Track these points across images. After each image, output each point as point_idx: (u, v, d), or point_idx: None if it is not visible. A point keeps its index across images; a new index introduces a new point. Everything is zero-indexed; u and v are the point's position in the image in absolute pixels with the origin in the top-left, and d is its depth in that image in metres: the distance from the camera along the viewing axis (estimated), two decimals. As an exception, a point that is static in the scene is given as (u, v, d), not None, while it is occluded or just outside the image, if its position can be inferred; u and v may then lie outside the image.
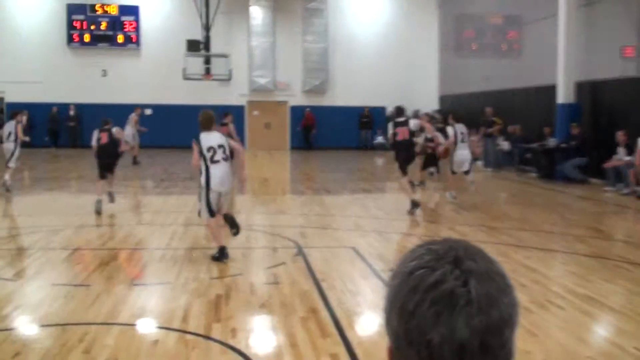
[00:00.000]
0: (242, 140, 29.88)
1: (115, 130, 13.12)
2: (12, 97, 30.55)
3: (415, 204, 12.27)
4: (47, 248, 8.95)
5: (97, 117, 30.54)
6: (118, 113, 29.79)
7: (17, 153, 14.98)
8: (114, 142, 12.90)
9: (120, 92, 31.02)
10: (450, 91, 29.59)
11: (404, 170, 12.51)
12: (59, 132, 29.99)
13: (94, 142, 12.93)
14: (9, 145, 14.95)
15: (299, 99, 32.40)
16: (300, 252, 8.81)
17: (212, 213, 8.50)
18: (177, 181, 18.04)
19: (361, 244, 9.39)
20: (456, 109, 24.06)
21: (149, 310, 6.29)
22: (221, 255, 8.30)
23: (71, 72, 30.98)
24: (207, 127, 8.57)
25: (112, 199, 12.65)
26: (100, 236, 9.91)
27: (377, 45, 32.58)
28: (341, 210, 13.00)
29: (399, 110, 13.18)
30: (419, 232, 10.69)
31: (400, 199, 13.53)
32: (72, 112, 30.47)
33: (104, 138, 12.96)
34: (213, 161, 8.39)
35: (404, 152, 12.55)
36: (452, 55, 29.97)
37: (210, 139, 8.47)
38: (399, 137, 12.56)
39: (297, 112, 32.09)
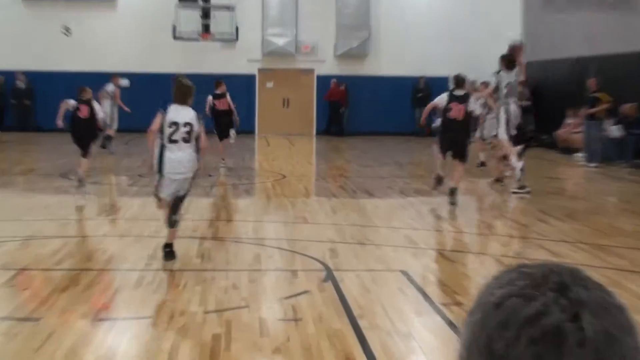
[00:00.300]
0: (250, 122, 30.00)
1: (96, 104, 14.35)
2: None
3: (439, 180, 13.87)
4: (-18, 267, 8.93)
5: (56, 90, 31.03)
6: (85, 84, 30.16)
7: None
8: (93, 118, 14.04)
9: (88, 57, 31.26)
10: (537, 57, 29.26)
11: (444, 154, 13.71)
12: (4, 109, 30.21)
13: (59, 118, 14.84)
14: None
15: (329, 67, 32.40)
16: (329, 277, 8.70)
17: (159, 198, 9.61)
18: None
19: (414, 267, 9.25)
20: (544, 80, 23.77)
21: (120, 355, 6.22)
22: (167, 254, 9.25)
23: (23, 30, 31.21)
24: (182, 100, 9.30)
25: (82, 183, 13.65)
26: (56, 252, 9.86)
27: (437, -5, 32.47)
28: (386, 220, 12.89)
29: (459, 81, 13.78)
30: (495, 250, 10.52)
31: (469, 204, 13.40)
32: (21, 83, 30.72)
33: (84, 111, 14.07)
34: (171, 140, 9.15)
35: (452, 134, 13.30)
36: (539, 10, 29.68)
37: (180, 114, 9.18)
38: (451, 115, 13.10)
39: (327, 85, 32.04)
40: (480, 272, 8.98)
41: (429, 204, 14.81)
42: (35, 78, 30.88)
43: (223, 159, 19.50)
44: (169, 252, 9.26)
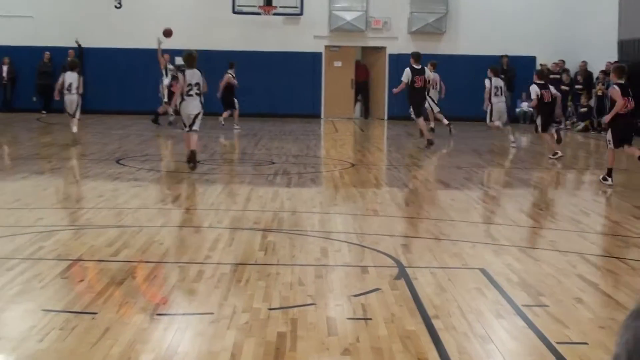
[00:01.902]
0: (316, 105, 30.08)
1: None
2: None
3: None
4: (35, 257, 9.22)
5: (108, 68, 31.45)
6: (137, 61, 30.65)
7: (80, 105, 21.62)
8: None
9: (141, 32, 31.56)
10: (632, 35, 28.90)
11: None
12: (53, 89, 30.72)
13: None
14: (72, 97, 21.46)
15: (403, 44, 32.35)
16: (402, 274, 8.81)
17: (185, 126, 16.68)
18: (222, 164, 18.29)
19: (494, 265, 9.31)
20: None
21: (179, 352, 6.39)
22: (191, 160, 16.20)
23: (75, 5, 31.64)
24: (191, 65, 16.81)
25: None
26: (112, 242, 10.14)
27: (523, -35, 32.16)
28: (464, 213, 12.92)
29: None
30: (583, 247, 10.52)
31: (556, 199, 13.36)
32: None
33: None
34: (188, 94, 16.46)
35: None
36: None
37: (191, 76, 16.57)
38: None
39: (401, 64, 31.96)
40: (567, 271, 9.01)
41: (510, 196, 14.82)
42: (85, 54, 31.34)
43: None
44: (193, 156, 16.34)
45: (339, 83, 31.99)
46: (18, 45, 31.28)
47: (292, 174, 16.98)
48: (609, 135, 15.48)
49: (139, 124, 27.19)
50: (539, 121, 19.20)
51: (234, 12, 29.04)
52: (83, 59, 30.51)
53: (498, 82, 23.35)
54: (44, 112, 30.41)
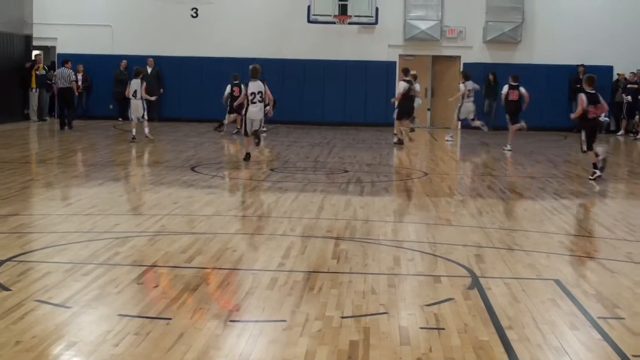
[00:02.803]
0: (390, 113, 30.05)
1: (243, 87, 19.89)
2: (67, 46, 32.06)
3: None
4: (110, 263, 9.37)
5: (184, 77, 31.87)
6: (212, 69, 30.95)
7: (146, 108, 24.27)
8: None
9: (216, 41, 31.90)
10: None
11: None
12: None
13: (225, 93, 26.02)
14: (136, 102, 23.94)
15: (477, 54, 32.22)
16: (475, 284, 8.77)
17: (247, 134, 19.45)
18: (295, 172, 18.36)
19: (569, 275, 9.23)
20: None
21: (252, 359, 6.44)
22: (246, 158, 19.36)
23: (147, 10, 32.10)
24: (254, 76, 19.33)
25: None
26: (186, 248, 10.25)
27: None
28: (538, 223, 12.83)
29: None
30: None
31: (632, 209, 13.16)
32: (149, 69, 31.62)
33: (237, 92, 23.02)
34: (252, 102, 19.20)
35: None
36: None
37: (254, 86, 19.21)
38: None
39: (476, 74, 31.82)
40: (643, 284, 8.90)
41: (585, 207, 14.65)
42: (161, 62, 31.77)
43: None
44: (248, 156, 19.54)
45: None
46: (96, 54, 31.81)
47: (365, 182, 16.99)
48: (582, 137, 17.95)
49: (214, 132, 27.43)
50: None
51: (309, 21, 29.13)
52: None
53: (472, 85, 26.78)
54: (120, 119, 30.84)
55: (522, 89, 24.28)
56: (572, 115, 19.09)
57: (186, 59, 31.85)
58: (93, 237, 10.73)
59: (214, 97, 29.66)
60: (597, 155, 17.85)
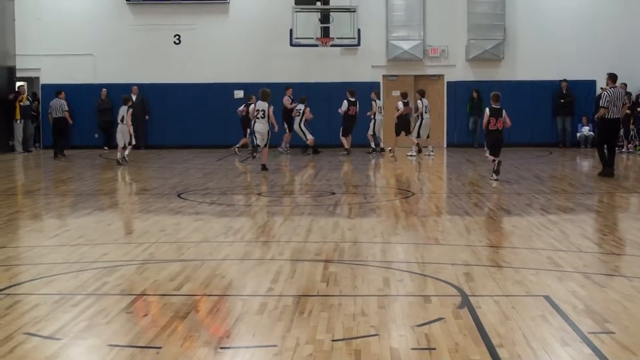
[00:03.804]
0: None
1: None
2: (50, 76, 32.06)
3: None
4: (99, 293, 9.33)
5: (169, 103, 31.93)
6: (196, 96, 31.02)
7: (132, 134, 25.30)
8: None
9: (200, 67, 31.96)
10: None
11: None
12: (113, 125, 31.02)
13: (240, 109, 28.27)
14: (122, 128, 25.12)
15: (460, 72, 32.39)
16: (465, 303, 8.76)
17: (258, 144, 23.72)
18: (283, 196, 18.36)
19: (559, 292, 9.21)
20: None
21: (243, 385, 6.42)
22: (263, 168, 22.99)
23: (133, 42, 32.15)
24: (264, 99, 23.37)
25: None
26: (174, 276, 10.22)
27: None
28: (526, 240, 12.84)
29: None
30: (648, 273, 10.38)
31: (620, 222, 13.16)
32: (134, 97, 31.60)
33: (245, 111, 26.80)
34: (257, 118, 23.31)
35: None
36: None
37: (260, 105, 23.32)
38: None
39: (459, 92, 32.00)
40: (633, 297, 8.90)
41: (572, 222, 14.68)
42: (145, 90, 31.81)
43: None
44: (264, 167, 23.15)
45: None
46: (80, 84, 31.82)
47: (352, 204, 17.00)
48: (486, 145, 21.42)
49: (199, 158, 27.43)
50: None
51: (292, 44, 29.24)
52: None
53: (426, 102, 28.63)
54: (105, 148, 30.83)
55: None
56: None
57: (171, 85, 31.90)
58: (81, 268, 10.69)
59: (199, 123, 29.75)
60: (493, 160, 21.01)
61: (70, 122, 29.44)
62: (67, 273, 10.43)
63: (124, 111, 25.29)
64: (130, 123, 25.30)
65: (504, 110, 20.68)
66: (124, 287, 9.73)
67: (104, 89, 31.52)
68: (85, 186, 20.83)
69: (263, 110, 23.20)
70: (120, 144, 25.48)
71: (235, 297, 9.26)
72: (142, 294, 9.35)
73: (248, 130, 27.32)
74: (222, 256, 11.71)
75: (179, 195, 18.05)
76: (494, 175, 20.80)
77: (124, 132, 25.33)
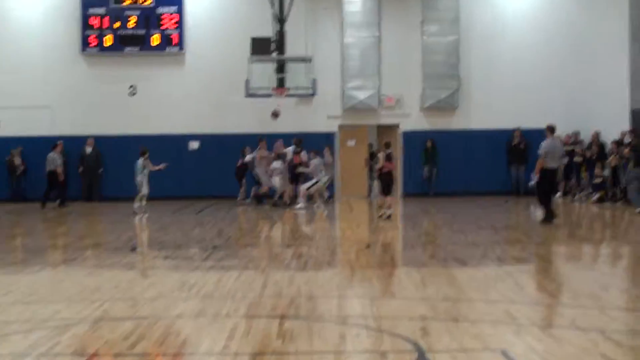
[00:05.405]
0: (331, 184, 30.06)
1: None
2: (8, 129, 31.76)
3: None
4: (52, 353, 9.16)
5: (124, 156, 31.77)
6: (152, 147, 30.90)
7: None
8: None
9: (156, 118, 31.90)
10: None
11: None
12: (66, 178, 30.72)
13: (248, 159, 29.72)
14: (143, 178, 25.99)
15: (415, 121, 32.65)
16: (421, 359, 8.71)
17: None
18: (236, 249, 18.26)
19: (516, 346, 9.20)
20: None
21: None
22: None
23: (87, 93, 32.06)
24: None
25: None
26: (128, 334, 10.08)
27: (532, 38, 32.50)
28: (483, 292, 12.84)
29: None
30: (605, 325, 10.40)
31: (575, 272, 13.21)
32: (89, 149, 31.46)
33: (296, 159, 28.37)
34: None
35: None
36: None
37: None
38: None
39: (415, 141, 32.15)
40: (589, 351, 8.91)
41: (528, 273, 14.73)
42: (100, 142, 31.67)
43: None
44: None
45: (354, 162, 32.13)
46: (37, 136, 31.60)
47: (308, 257, 16.94)
48: (379, 185, 24.97)
49: (153, 211, 27.22)
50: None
51: (248, 95, 29.25)
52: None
53: (320, 161, 28.74)
54: (57, 201, 30.59)
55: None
56: (377, 167, 25.43)
57: (126, 137, 31.76)
58: (33, 327, 10.52)
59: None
60: (389, 206, 23.93)
61: (61, 177, 29.81)
62: (19, 333, 10.26)
63: (141, 163, 25.87)
64: (148, 172, 26.07)
65: (392, 155, 24.49)
66: (77, 347, 9.57)
67: (60, 141, 31.27)
68: (36, 241, 20.59)
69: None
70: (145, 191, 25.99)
71: (191, 356, 9.16)
72: (95, 355, 9.21)
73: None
74: (177, 313, 11.55)
75: (133, 250, 17.89)
76: (387, 212, 23.78)
77: (143, 182, 25.83)
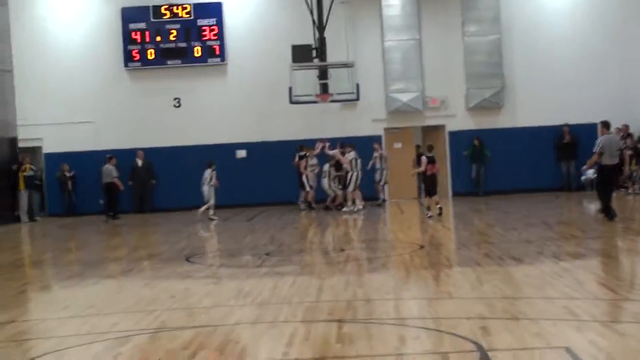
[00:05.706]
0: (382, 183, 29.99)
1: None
2: (53, 145, 32.15)
3: None
4: (113, 365, 9.22)
5: (171, 167, 31.91)
6: (197, 158, 31.05)
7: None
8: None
9: (201, 129, 32.01)
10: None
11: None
12: (118, 191, 30.95)
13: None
14: (210, 189, 27.55)
15: (461, 121, 32.46)
16: (483, 358, 8.63)
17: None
18: (290, 255, 18.24)
19: (579, 342, 9.07)
20: None
21: None
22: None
23: (131, 104, 32.31)
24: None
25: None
26: (188, 343, 10.08)
27: (573, 33, 32.21)
28: (540, 289, 12.70)
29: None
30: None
31: (634, 266, 13.06)
32: (140, 161, 31.67)
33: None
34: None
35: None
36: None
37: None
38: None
39: (461, 141, 31.99)
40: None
41: (585, 268, 14.56)
42: (148, 154, 31.88)
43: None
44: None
45: (401, 164, 31.97)
46: (82, 151, 31.89)
47: (362, 260, 16.88)
48: (423, 187, 25.01)
49: (205, 220, 27.34)
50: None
51: (292, 102, 29.23)
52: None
53: (355, 154, 28.78)
54: (110, 213, 30.79)
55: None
56: (417, 171, 25.95)
57: (173, 148, 31.91)
58: (93, 339, 10.55)
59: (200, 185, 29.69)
60: (437, 202, 24.27)
61: (122, 188, 30.34)
62: (79, 346, 10.29)
63: (208, 174, 27.35)
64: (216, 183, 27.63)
65: (435, 157, 24.39)
66: (138, 357, 9.60)
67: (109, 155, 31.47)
68: (91, 254, 20.74)
69: (356, 159, 28.41)
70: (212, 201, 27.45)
71: (251, 363, 9.13)
72: (157, 365, 9.23)
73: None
74: (234, 321, 11.53)
75: (187, 259, 17.93)
76: (430, 214, 24.17)
77: (211, 192, 27.33)
